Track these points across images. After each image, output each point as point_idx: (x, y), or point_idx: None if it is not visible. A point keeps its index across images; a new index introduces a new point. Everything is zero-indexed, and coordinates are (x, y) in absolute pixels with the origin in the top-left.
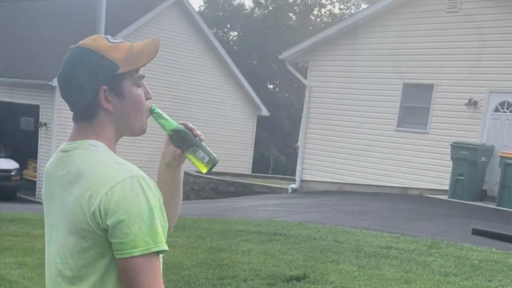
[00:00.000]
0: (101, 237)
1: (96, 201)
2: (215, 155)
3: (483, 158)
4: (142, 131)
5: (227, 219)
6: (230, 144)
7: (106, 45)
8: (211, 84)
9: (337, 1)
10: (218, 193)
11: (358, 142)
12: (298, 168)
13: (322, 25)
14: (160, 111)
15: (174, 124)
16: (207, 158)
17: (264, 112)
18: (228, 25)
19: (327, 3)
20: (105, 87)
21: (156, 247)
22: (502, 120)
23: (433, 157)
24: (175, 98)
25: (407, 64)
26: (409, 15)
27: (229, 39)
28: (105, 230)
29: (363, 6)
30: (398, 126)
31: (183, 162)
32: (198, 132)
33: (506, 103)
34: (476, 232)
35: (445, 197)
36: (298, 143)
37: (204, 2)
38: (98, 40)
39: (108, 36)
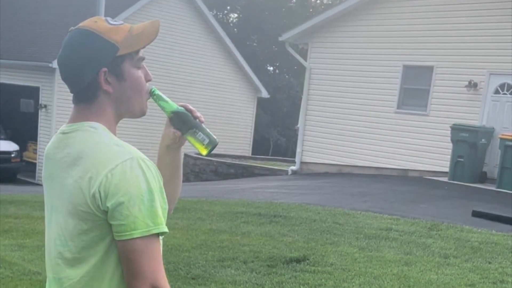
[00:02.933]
0: (101, 219)
1: (96, 183)
2: (215, 137)
3: (483, 140)
4: (142, 113)
5: (227, 201)
6: (230, 126)
7: (106, 27)
8: (211, 66)
9: None
10: (218, 175)
11: (358, 124)
12: (298, 150)
13: (322, 7)
14: (160, 93)
15: (174, 106)
16: (207, 140)
17: (264, 94)
18: (228, 7)
19: None
20: (105, 69)
21: (156, 229)
22: (502, 102)
23: (433, 139)
24: (175, 80)
25: (407, 46)
26: None
27: (229, 21)
28: (105, 212)
29: None
30: (398, 108)
31: (183, 144)
32: (198, 114)
33: (506, 85)
34: (476, 214)
35: (445, 179)
36: (298, 125)
37: None
38: (98, 22)
39: (108, 18)
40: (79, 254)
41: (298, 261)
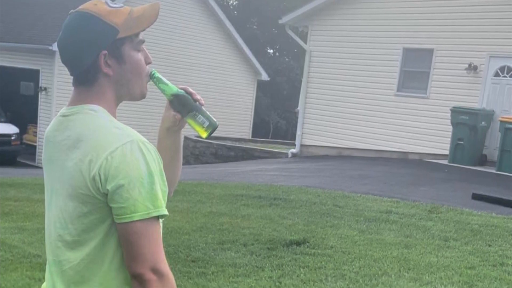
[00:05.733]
0: (101, 202)
1: (96, 166)
2: (215, 119)
3: (483, 122)
4: (142, 96)
5: (227, 183)
6: (230, 108)
7: (106, 10)
8: (211, 49)
9: None
10: (218, 157)
11: (358, 106)
12: (298, 132)
13: None
14: (160, 76)
15: (174, 88)
16: (207, 123)
17: (264, 76)
18: None
19: None
20: (105, 51)
21: (156, 212)
22: (502, 85)
23: (433, 122)
24: (175, 62)
25: (407, 28)
26: None
27: (229, 3)
28: (105, 195)
29: None
30: (398, 90)
31: (183, 126)
32: (198, 96)
33: (506, 68)
34: (476, 196)
35: (445, 162)
36: (298, 108)
37: None
38: (98, 5)
39: (108, 1)
40: (79, 237)
41: (298, 243)
